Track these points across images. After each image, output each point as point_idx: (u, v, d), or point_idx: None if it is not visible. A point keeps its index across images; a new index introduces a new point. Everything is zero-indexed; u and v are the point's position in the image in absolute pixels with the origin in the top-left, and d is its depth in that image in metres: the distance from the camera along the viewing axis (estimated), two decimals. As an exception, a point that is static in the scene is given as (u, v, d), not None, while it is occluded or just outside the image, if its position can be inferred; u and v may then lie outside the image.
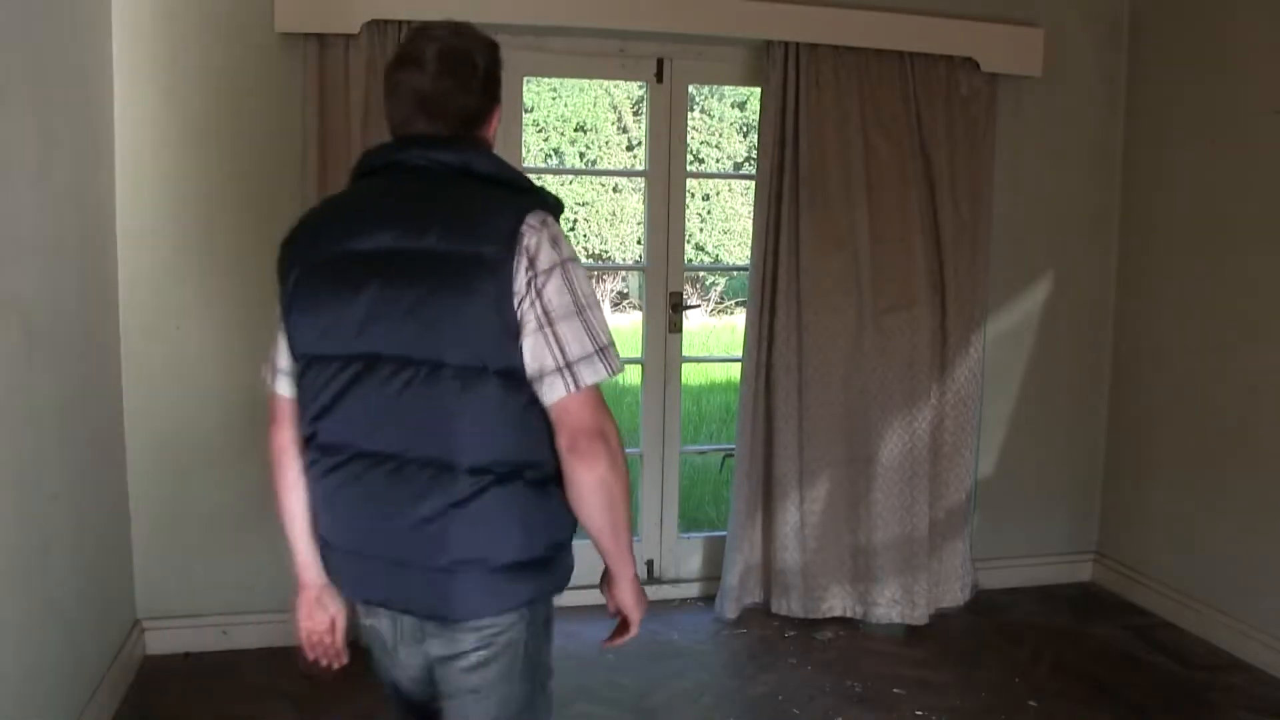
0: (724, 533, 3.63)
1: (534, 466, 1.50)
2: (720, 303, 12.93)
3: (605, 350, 1.48)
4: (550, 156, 12.03)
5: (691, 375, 7.99)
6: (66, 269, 2.62)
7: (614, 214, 12.39)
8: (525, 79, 3.49)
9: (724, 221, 12.64)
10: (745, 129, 12.65)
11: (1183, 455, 3.60)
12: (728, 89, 11.58)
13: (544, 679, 1.68)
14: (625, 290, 13.07)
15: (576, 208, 12.28)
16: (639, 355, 3.79)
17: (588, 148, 12.23)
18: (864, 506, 3.53)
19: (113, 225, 3.02)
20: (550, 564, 1.57)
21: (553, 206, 1.53)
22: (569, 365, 1.45)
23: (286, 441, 1.62)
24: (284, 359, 1.60)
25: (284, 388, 1.62)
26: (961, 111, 3.56)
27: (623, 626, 1.76)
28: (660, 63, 3.53)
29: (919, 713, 2.96)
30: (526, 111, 5.61)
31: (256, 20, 3.06)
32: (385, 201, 1.53)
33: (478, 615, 1.52)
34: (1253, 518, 3.30)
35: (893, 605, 3.52)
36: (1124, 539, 3.89)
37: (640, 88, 3.72)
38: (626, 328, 10.77)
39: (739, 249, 12.27)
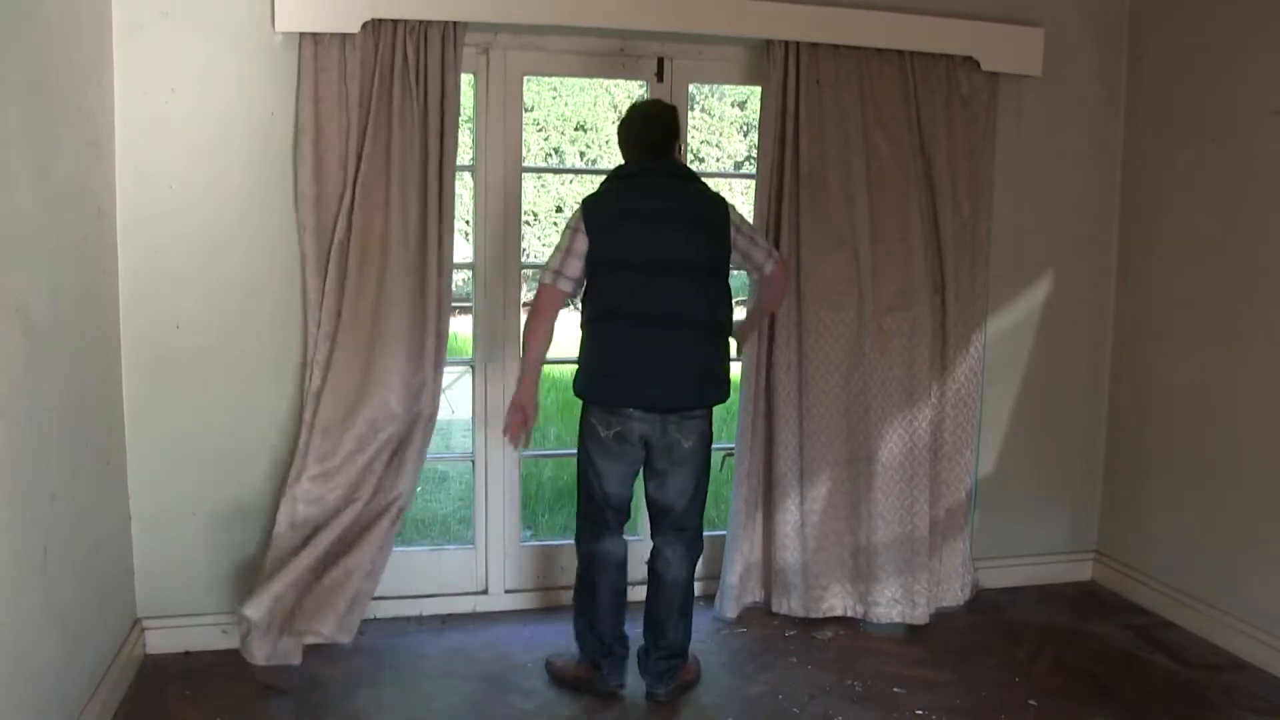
0: (724, 532, 3.63)
1: (726, 322, 2.95)
2: (720, 302, 12.93)
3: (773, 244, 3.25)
4: (550, 155, 12.03)
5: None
6: (66, 269, 2.62)
7: (614, 213, 12.39)
8: (525, 78, 3.49)
9: (724, 221, 12.63)
10: (745, 129, 12.65)
11: (1183, 454, 3.60)
12: (728, 88, 11.58)
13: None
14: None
15: (577, 207, 12.29)
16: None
17: (588, 147, 12.23)
18: (864, 506, 3.53)
19: (113, 225, 3.02)
20: (729, 382, 2.95)
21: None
22: (771, 253, 3.06)
23: (552, 316, 2.88)
24: (574, 270, 2.82)
25: (565, 286, 2.83)
26: (962, 111, 3.56)
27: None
28: (660, 62, 3.53)
29: (919, 712, 2.96)
30: (526, 111, 5.61)
31: (256, 19, 3.06)
32: (658, 183, 2.88)
33: (706, 405, 2.90)
34: (1253, 517, 3.30)
35: (893, 605, 3.52)
36: (1124, 538, 3.90)
37: (640, 87, 3.71)
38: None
39: (739, 248, 12.29)
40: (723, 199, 2.91)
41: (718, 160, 12.36)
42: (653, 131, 2.90)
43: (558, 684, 3.07)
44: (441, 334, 3.21)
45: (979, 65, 3.53)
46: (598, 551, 2.97)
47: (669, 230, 2.78)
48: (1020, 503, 3.92)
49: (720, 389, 2.89)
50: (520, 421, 2.94)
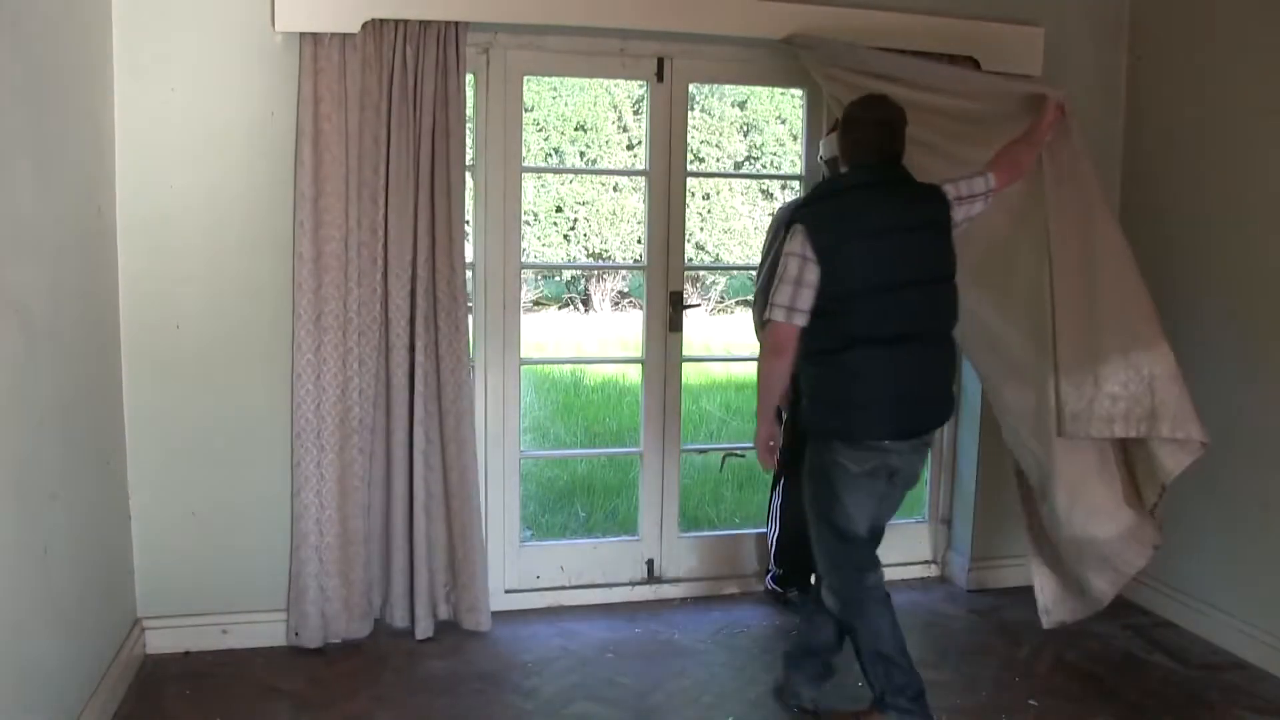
0: (724, 531, 3.63)
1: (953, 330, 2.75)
2: (720, 302, 12.92)
3: None
4: (550, 155, 12.01)
5: (691, 375, 7.99)
6: (66, 269, 2.62)
7: (614, 213, 12.38)
8: (525, 78, 3.49)
9: (724, 221, 12.61)
10: (745, 128, 12.64)
11: (1183, 455, 3.59)
12: (728, 88, 11.57)
13: None
14: (625, 289, 13.07)
15: (576, 207, 12.27)
16: (639, 355, 3.80)
17: (588, 147, 12.21)
18: None
19: (113, 225, 3.02)
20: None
21: None
22: (986, 179, 2.74)
23: (792, 353, 2.60)
24: (807, 302, 2.54)
25: (800, 321, 2.56)
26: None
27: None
28: (660, 62, 3.53)
29: (919, 712, 2.96)
30: (526, 111, 5.61)
31: (256, 19, 3.06)
32: (884, 195, 2.64)
33: (945, 422, 2.79)
34: (1253, 517, 3.30)
35: None
36: (1124, 538, 3.89)
37: (640, 87, 3.72)
38: (627, 328, 10.79)
39: (739, 248, 12.26)
40: (937, 189, 2.66)
41: (718, 160, 12.34)
42: (894, 142, 2.65)
43: None
44: (461, 330, 3.24)
45: (979, 65, 3.52)
46: (869, 591, 2.75)
47: (900, 244, 2.58)
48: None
49: (952, 403, 2.78)
50: (772, 451, 2.78)
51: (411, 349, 3.21)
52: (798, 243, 2.55)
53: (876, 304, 2.56)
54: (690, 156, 4.48)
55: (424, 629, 3.32)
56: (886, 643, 2.75)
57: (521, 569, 3.66)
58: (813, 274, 2.54)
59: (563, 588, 3.69)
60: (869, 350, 2.57)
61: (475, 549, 3.35)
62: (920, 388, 2.63)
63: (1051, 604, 3.16)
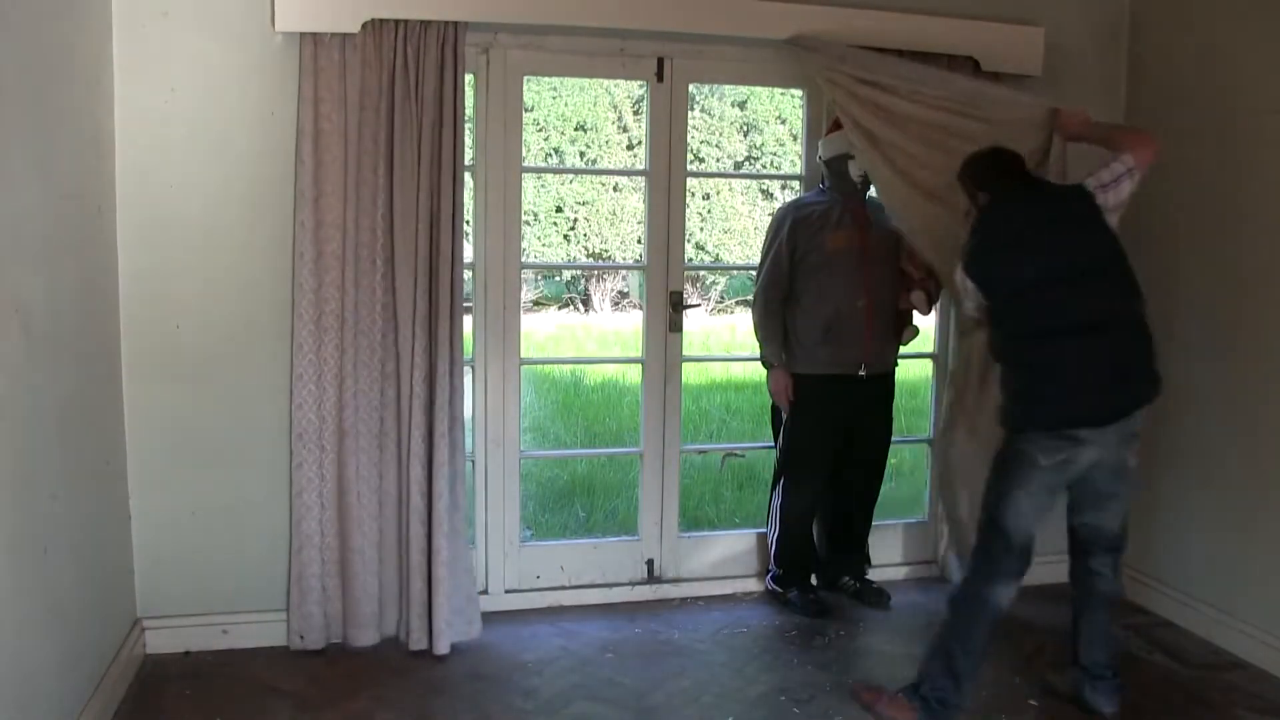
0: (724, 531, 3.63)
1: (1143, 313, 2.76)
2: (720, 302, 12.93)
3: None
4: (550, 155, 12.02)
5: (691, 375, 7.99)
6: (66, 269, 2.62)
7: (614, 213, 12.38)
8: (525, 78, 3.49)
9: (724, 221, 12.63)
10: (745, 128, 12.64)
11: (1182, 454, 3.59)
12: (728, 88, 11.57)
13: None
14: (625, 290, 13.07)
15: (576, 207, 12.27)
16: (639, 355, 3.80)
17: (588, 147, 12.21)
18: None
19: (113, 225, 3.02)
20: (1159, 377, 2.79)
21: None
22: (1126, 164, 2.78)
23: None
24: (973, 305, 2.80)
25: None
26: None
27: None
28: (660, 62, 3.53)
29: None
30: (526, 111, 5.62)
31: (256, 19, 3.06)
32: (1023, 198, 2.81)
33: (1145, 402, 2.75)
34: (1253, 517, 3.30)
35: None
36: (1124, 538, 3.89)
37: (640, 87, 3.72)
38: (627, 327, 10.79)
39: (739, 248, 12.27)
40: (1076, 186, 2.78)
41: (718, 160, 12.35)
42: (1012, 160, 2.85)
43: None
44: (456, 332, 3.23)
45: (979, 65, 3.53)
46: (994, 599, 2.75)
47: (1051, 240, 2.69)
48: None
49: (1154, 384, 2.75)
50: None
51: (411, 350, 3.20)
52: (959, 279, 2.79)
53: (1049, 296, 2.66)
54: (690, 156, 4.48)
55: (442, 645, 3.22)
56: (963, 657, 2.76)
57: (521, 569, 3.66)
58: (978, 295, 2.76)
59: (563, 588, 3.69)
60: (1052, 341, 2.66)
61: (464, 553, 3.32)
62: (1110, 372, 2.66)
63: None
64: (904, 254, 3.58)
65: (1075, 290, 2.66)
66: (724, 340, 10.55)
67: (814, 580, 3.78)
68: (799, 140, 3.95)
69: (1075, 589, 2.94)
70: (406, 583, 3.26)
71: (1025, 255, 2.70)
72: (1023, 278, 2.68)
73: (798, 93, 3.86)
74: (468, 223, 3.40)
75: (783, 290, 3.56)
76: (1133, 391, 2.71)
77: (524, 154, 3.54)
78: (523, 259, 3.58)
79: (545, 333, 10.73)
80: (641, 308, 3.98)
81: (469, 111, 3.31)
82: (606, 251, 12.39)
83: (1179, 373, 3.60)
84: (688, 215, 3.88)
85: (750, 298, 3.90)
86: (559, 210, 12.28)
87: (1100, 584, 2.90)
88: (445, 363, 3.21)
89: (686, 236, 3.80)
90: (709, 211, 12.58)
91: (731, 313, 12.30)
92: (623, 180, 12.31)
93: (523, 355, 3.66)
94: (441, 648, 3.20)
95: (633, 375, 7.01)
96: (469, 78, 3.34)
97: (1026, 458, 2.69)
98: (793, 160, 9.45)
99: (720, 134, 12.57)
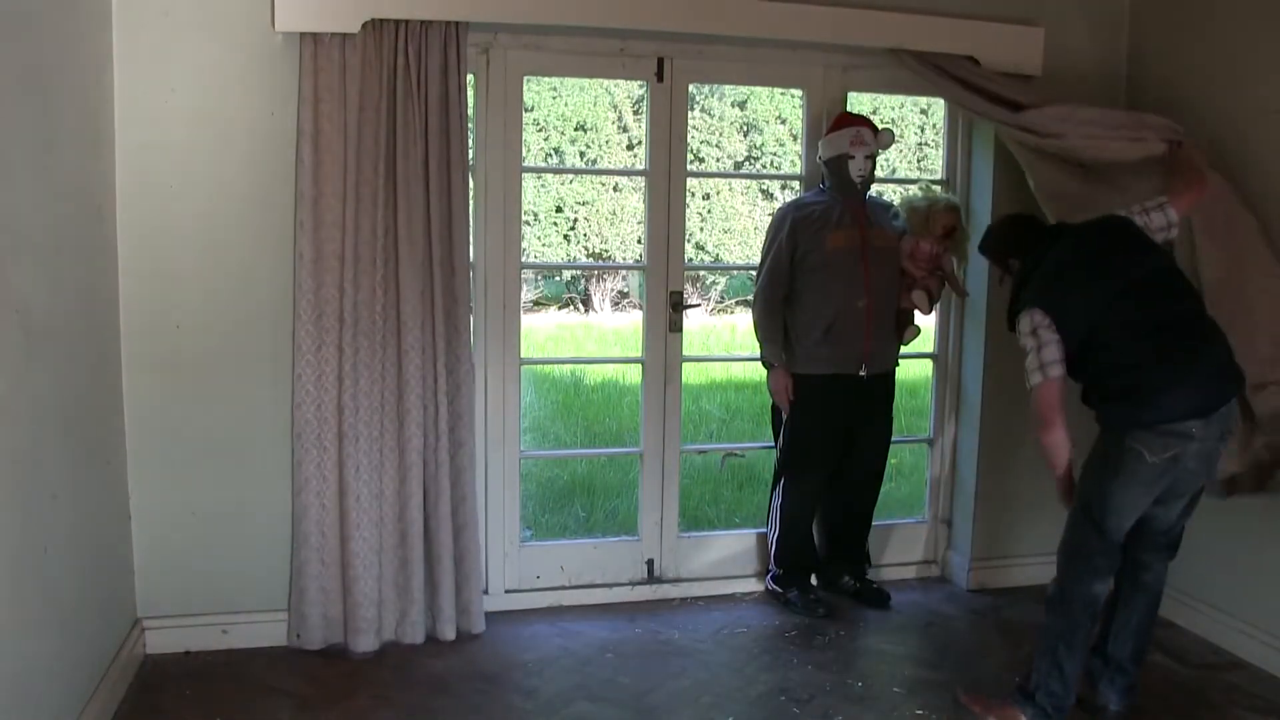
0: (724, 532, 3.64)
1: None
2: (720, 302, 12.92)
3: None
4: (550, 156, 12.01)
5: (691, 375, 7.99)
6: (66, 269, 2.62)
7: (614, 213, 12.38)
8: (525, 78, 3.49)
9: (724, 221, 12.62)
10: (745, 128, 12.64)
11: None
12: (728, 88, 11.57)
13: None
14: (625, 290, 13.07)
15: (576, 207, 12.27)
16: (639, 355, 3.80)
17: (588, 147, 12.21)
18: None
19: (113, 225, 3.02)
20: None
21: None
22: (1163, 207, 2.88)
23: (1064, 409, 2.71)
24: (1057, 354, 2.67)
25: (1059, 371, 2.68)
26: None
27: None
28: (660, 62, 3.53)
29: (919, 712, 2.96)
30: (526, 111, 5.62)
31: (256, 19, 3.06)
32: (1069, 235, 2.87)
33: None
34: (1252, 517, 3.30)
35: None
36: (1124, 538, 3.89)
37: (640, 87, 3.72)
38: (627, 327, 10.79)
39: (739, 248, 12.26)
40: (1112, 213, 2.86)
41: (718, 161, 12.35)
42: (1030, 220, 2.99)
43: None
44: (461, 331, 3.24)
45: (979, 65, 3.52)
46: (1091, 596, 2.79)
47: (1109, 260, 2.74)
48: (1019, 503, 3.91)
49: (1237, 377, 2.75)
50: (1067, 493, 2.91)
51: (412, 350, 3.21)
52: (1028, 322, 2.71)
53: (1123, 307, 2.68)
54: (690, 156, 4.48)
55: (447, 634, 3.33)
56: (1069, 657, 2.78)
57: (521, 569, 3.66)
58: (1050, 335, 2.68)
59: (563, 588, 3.69)
60: (1143, 342, 2.68)
61: (471, 551, 3.34)
62: (1204, 366, 2.67)
63: None
64: (904, 253, 3.59)
65: (1145, 298, 2.70)
66: (724, 340, 10.55)
67: (814, 580, 3.78)
68: (799, 140, 3.95)
69: (1120, 579, 2.93)
70: (407, 583, 3.28)
71: (1087, 278, 2.73)
72: (1094, 298, 2.69)
73: (798, 93, 3.86)
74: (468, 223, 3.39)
75: (783, 290, 3.56)
76: (1228, 383, 2.72)
77: (524, 154, 3.54)
78: (523, 259, 3.58)
79: (545, 333, 10.73)
80: (641, 308, 3.98)
81: (469, 111, 3.30)
82: (606, 251, 12.39)
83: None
84: (688, 215, 3.88)
85: (750, 297, 3.90)
86: (559, 210, 12.28)
87: (1148, 577, 2.90)
88: (448, 361, 3.21)
89: (686, 236, 3.80)
90: (709, 211, 12.58)
91: (731, 313, 12.29)
92: (623, 180, 12.30)
93: (523, 355, 3.66)
94: (447, 634, 3.30)
95: (633, 375, 7.01)
96: (469, 78, 3.34)
97: (1134, 456, 2.66)
98: (793, 160, 9.45)
99: (720, 134, 12.56)
